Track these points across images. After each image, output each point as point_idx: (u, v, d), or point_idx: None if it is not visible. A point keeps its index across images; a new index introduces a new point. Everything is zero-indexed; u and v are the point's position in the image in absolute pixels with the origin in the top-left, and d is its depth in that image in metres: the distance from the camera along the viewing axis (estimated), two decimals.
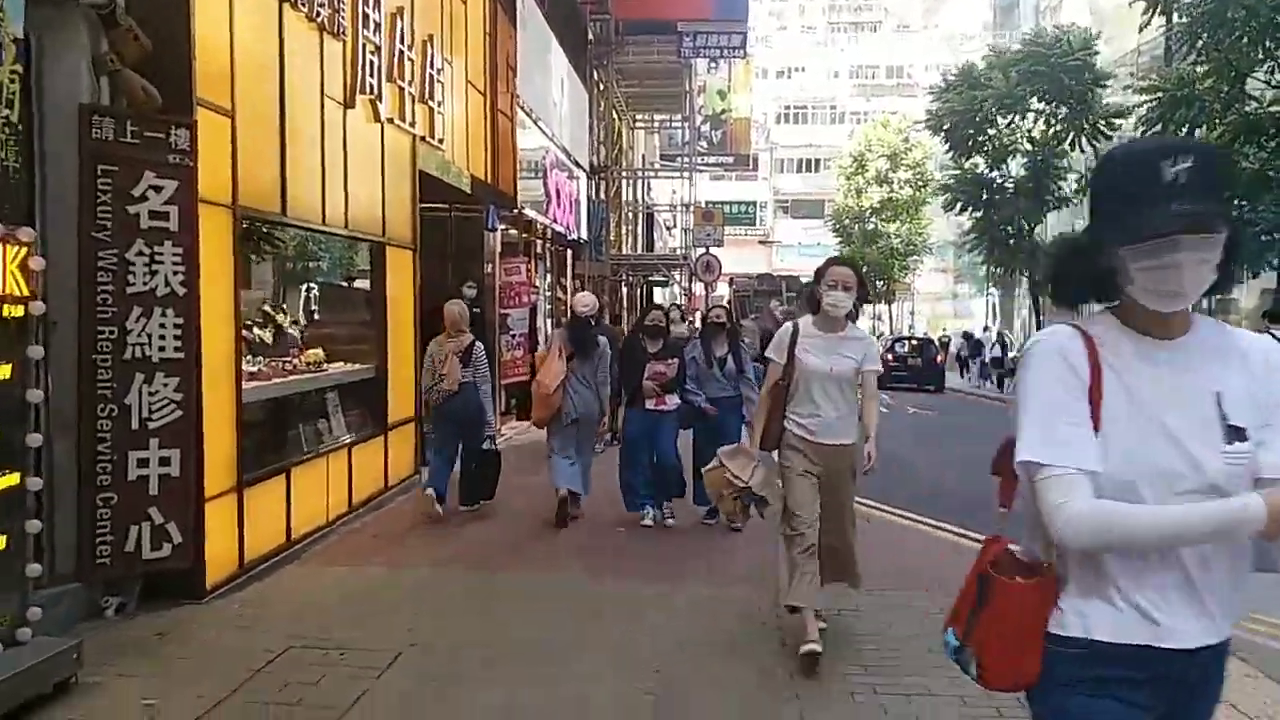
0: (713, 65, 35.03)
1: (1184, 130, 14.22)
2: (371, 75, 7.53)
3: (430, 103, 9.06)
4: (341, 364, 7.80)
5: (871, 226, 41.35)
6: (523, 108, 12.91)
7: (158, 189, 4.85)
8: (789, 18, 72.56)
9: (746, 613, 5.33)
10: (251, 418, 5.99)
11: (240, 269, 5.75)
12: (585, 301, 7.84)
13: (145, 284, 4.82)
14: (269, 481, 6.07)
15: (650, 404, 7.42)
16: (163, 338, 4.89)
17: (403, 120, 8.31)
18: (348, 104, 7.20)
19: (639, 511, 7.46)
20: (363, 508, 7.47)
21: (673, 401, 7.46)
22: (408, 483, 8.46)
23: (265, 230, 6.70)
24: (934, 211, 43.35)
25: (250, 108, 5.71)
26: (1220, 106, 14.31)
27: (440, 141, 9.46)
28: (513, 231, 14.41)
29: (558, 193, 15.35)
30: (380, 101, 7.73)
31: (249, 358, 6.30)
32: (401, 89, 8.23)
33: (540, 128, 14.14)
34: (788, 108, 64.50)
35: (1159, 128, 14.47)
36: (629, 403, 7.62)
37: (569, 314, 9.36)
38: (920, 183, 41.07)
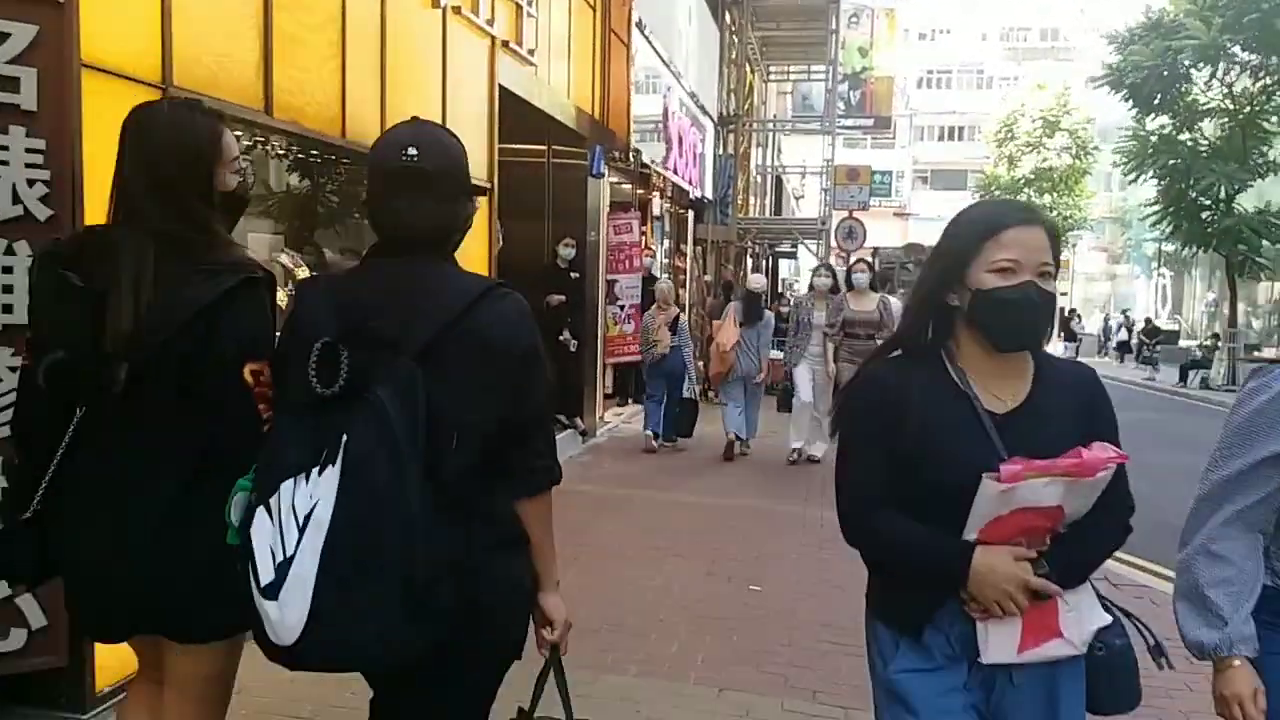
0: (853, 19, 32.17)
1: None
2: None
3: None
4: None
5: (1024, 198, 37.48)
6: (642, 31, 10.70)
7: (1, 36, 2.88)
8: None
9: None
10: None
11: None
12: (758, 280, 10.84)
13: None
14: None
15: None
16: (7, 290, 2.93)
17: (475, 13, 6.24)
18: None
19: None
20: None
21: None
22: None
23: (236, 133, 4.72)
24: (1093, 183, 39.36)
25: None
26: None
27: (531, 54, 7.38)
28: (625, 186, 12.28)
29: (680, 140, 13.12)
30: None
31: None
32: None
33: (663, 60, 11.91)
34: (930, 72, 60.32)
35: None
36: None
37: (737, 288, 12.16)
38: (1079, 150, 37.01)
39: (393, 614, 1.56)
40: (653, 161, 11.55)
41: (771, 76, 26.10)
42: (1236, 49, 20.08)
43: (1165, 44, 20.29)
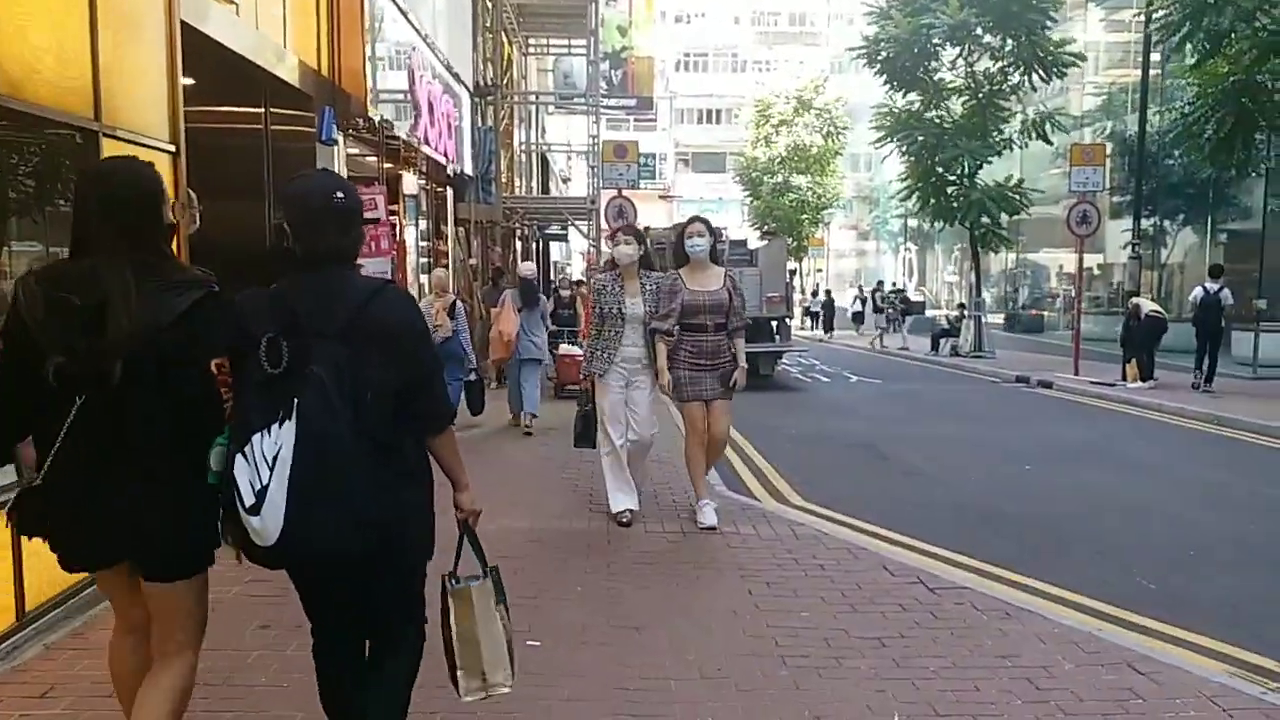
0: None
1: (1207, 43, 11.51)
2: None
3: None
4: None
5: (780, 179, 38.44)
6: None
7: None
8: None
9: None
10: None
11: None
12: (529, 268, 11.34)
13: None
14: None
15: None
16: None
17: None
18: None
19: None
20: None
21: None
22: None
23: None
24: (843, 164, 41.00)
25: None
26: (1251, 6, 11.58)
27: None
28: (370, 159, 10.84)
29: (430, 108, 11.79)
30: None
31: None
32: None
33: (403, 13, 10.54)
34: (687, 55, 61.27)
35: (1181, 34, 11.74)
36: None
37: (508, 275, 13.50)
38: (830, 130, 38.35)
39: (341, 522, 2.29)
40: (392, 124, 10.17)
41: (531, 49, 24.97)
42: (980, 30, 20.99)
43: (918, 19, 20.87)
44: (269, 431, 2.25)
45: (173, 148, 5.28)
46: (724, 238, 11.90)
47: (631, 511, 6.17)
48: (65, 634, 4.02)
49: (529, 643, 4.05)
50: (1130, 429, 11.75)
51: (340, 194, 2.51)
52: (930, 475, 8.58)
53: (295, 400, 2.26)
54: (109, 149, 4.59)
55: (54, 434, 2.35)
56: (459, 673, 2.69)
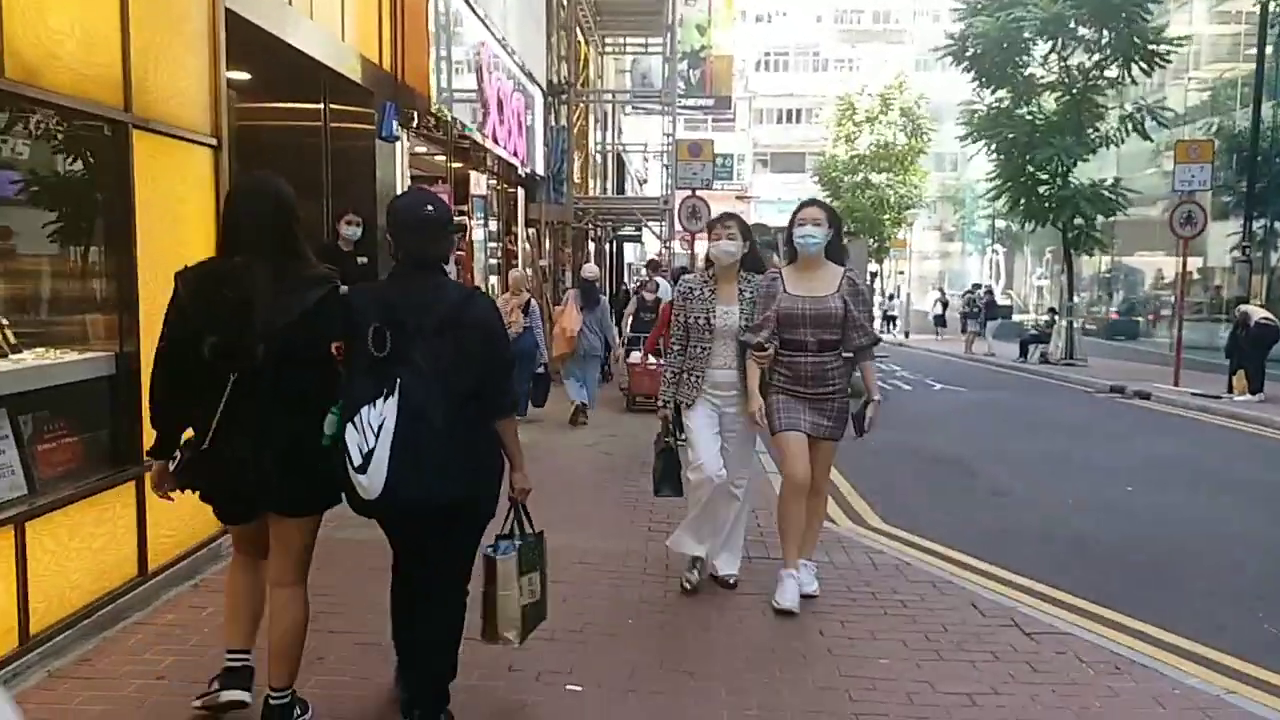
0: None
1: None
2: None
3: None
4: (32, 353, 4.04)
5: (861, 177, 37.43)
6: None
7: None
8: None
9: None
10: None
11: None
12: (591, 270, 11.76)
13: None
14: None
15: None
16: None
17: None
18: None
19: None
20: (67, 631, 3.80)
21: None
22: (197, 558, 4.80)
23: None
24: (926, 163, 39.78)
25: None
26: None
27: None
28: (439, 158, 10.62)
29: (500, 105, 11.51)
30: None
31: None
32: None
33: (471, 5, 10.26)
34: (767, 54, 60.39)
35: None
36: None
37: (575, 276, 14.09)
38: (913, 130, 37.22)
39: (431, 481, 2.84)
40: (464, 125, 9.90)
41: (608, 48, 24.67)
42: (1074, 23, 20.02)
43: (1008, 14, 20.01)
44: (374, 405, 2.78)
45: (214, 141, 5.01)
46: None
47: (699, 563, 4.94)
48: (72, 660, 3.73)
49: (569, 686, 3.65)
50: (1239, 446, 10.87)
51: (430, 208, 3.08)
52: (1021, 496, 7.93)
53: (398, 380, 2.82)
54: (141, 142, 4.33)
55: (214, 406, 2.92)
56: (483, 621, 3.30)
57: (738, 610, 4.64)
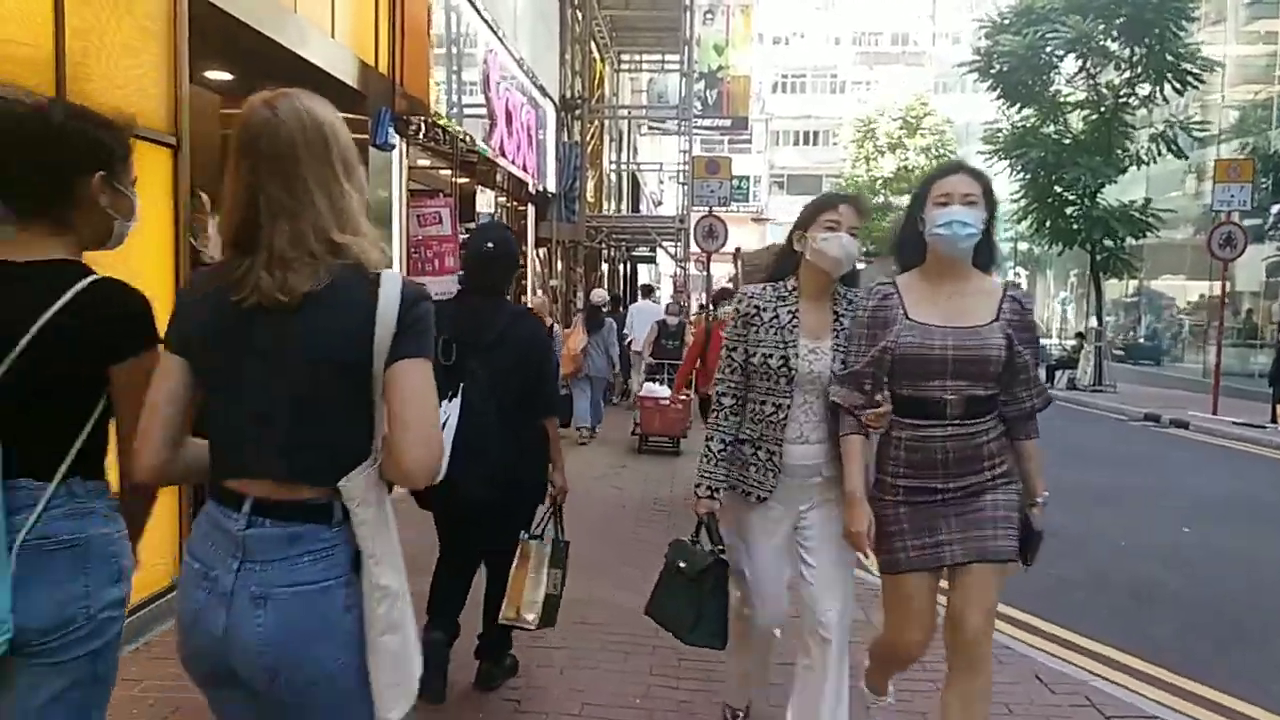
0: (709, 15, 30.73)
1: None
2: None
3: None
4: None
5: (882, 200, 36.88)
6: None
7: None
8: None
9: None
10: None
11: None
12: (599, 295, 12.50)
13: None
14: None
15: None
16: None
17: None
18: None
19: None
20: None
21: None
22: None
23: None
24: None
25: None
26: None
27: None
28: (444, 172, 10.07)
29: (510, 117, 10.97)
30: None
31: None
32: None
33: (478, 10, 9.74)
34: (784, 76, 60.03)
35: None
36: None
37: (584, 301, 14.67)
38: (938, 152, 36.70)
39: (486, 475, 3.28)
40: (469, 136, 9.35)
41: (624, 65, 24.24)
42: (1105, 40, 19.41)
43: (1035, 29, 19.41)
44: (441, 406, 2.80)
45: (172, 140, 4.44)
46: None
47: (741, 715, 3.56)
48: None
49: None
50: None
51: (490, 244, 3.66)
52: (1070, 535, 7.23)
53: (461, 385, 3.32)
54: None
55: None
56: (505, 600, 3.59)
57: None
